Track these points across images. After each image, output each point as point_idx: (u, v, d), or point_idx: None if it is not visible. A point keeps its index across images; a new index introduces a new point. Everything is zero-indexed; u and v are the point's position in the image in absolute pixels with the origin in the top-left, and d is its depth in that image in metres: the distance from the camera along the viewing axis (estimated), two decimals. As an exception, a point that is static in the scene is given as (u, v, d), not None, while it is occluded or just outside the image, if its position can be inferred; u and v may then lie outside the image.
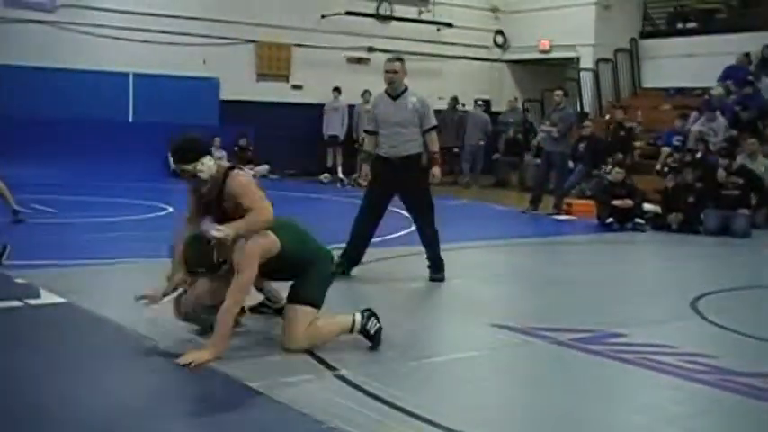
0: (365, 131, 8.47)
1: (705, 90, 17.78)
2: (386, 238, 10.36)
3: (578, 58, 20.55)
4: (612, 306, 7.65)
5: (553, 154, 13.80)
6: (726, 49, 18.29)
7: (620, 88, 21.03)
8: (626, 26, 21.01)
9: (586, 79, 20.42)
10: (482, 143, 19.21)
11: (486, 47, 22.08)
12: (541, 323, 6.55)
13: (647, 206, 13.09)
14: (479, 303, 7.60)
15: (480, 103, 20.01)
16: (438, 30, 20.87)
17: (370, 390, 4.69)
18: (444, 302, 7.72)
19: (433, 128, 8.02)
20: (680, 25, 21.02)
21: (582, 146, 16.10)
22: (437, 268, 8.03)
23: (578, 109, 19.29)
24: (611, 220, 12.66)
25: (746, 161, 13.56)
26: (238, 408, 4.51)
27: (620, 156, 14.51)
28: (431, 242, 8.02)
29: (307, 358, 5.26)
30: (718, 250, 11.55)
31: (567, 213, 13.79)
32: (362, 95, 18.20)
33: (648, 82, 20.87)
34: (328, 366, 5.10)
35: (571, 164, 15.50)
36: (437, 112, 19.35)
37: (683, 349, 5.97)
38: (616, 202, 12.67)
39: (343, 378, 4.91)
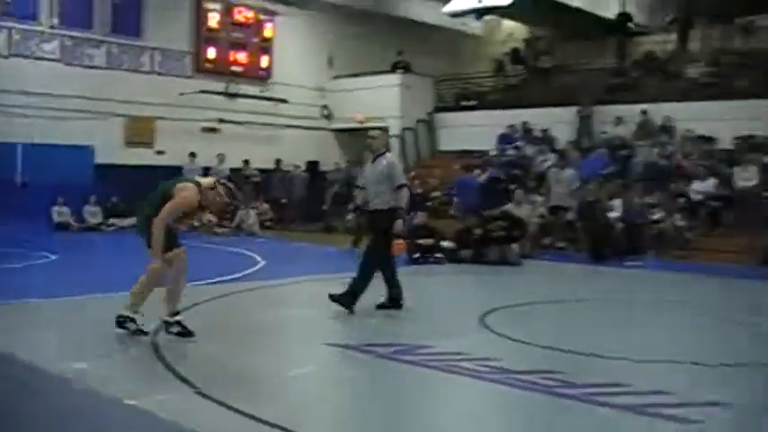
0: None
1: (484, 152, 20.53)
2: (238, 275, 11.05)
3: (388, 127, 21.28)
4: (421, 323, 8.18)
5: None
6: (498, 121, 21.37)
7: (421, 151, 23.42)
8: (424, 102, 23.58)
9: (395, 144, 21.80)
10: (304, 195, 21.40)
11: (315, 118, 23.70)
12: (366, 340, 6.92)
13: (444, 243, 14.11)
14: (315, 328, 7.99)
15: (298, 164, 21.85)
16: (276, 105, 22.41)
17: (229, 404, 4.92)
18: (287, 328, 7.93)
19: (401, 186, 8.43)
20: (463, 102, 24.04)
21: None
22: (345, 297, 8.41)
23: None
24: (417, 255, 13.51)
25: (513, 207, 15.56)
26: (118, 422, 4.79)
27: (426, 204, 16.55)
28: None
29: (170, 377, 5.60)
30: (499, 277, 12.51)
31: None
32: (218, 156, 20.23)
33: (443, 146, 23.22)
34: (190, 384, 5.37)
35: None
36: (266, 171, 21.46)
37: (476, 355, 6.39)
38: (420, 241, 13.61)
39: (203, 395, 5.14)
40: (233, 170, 20.08)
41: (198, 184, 6.80)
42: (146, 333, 6.85)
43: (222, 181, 6.99)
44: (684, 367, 6.64)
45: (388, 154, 8.78)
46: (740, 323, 9.15)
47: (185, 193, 6.65)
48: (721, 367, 6.72)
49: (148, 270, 6.83)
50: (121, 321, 6.90)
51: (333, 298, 8.41)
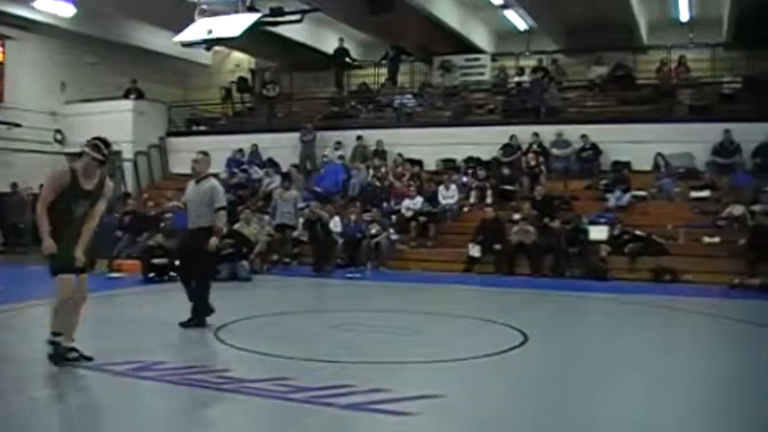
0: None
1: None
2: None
3: (121, 152, 21.51)
4: (159, 339, 7.95)
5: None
6: (227, 145, 21.22)
7: (154, 173, 22.90)
8: (156, 127, 23.04)
9: (128, 167, 22.11)
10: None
11: (49, 142, 22.17)
12: (105, 359, 6.58)
13: (177, 262, 13.35)
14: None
15: (31, 187, 19.97)
16: (9, 129, 20.94)
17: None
18: (22, 351, 7.33)
19: (221, 208, 8.49)
20: (194, 127, 23.87)
21: (127, 218, 17.18)
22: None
23: (122, 190, 20.49)
24: (152, 274, 13.45)
25: (241, 226, 15.43)
26: None
27: (160, 225, 15.63)
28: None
29: None
30: (230, 292, 11.98)
31: (119, 271, 14.64)
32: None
33: (174, 168, 22.57)
34: None
35: (120, 233, 16.58)
36: (2, 195, 20.20)
37: (211, 368, 6.46)
38: (155, 261, 13.54)
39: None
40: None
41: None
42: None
43: (88, 141, 6.50)
44: (402, 366, 6.90)
45: (211, 178, 8.72)
46: (454, 322, 9.64)
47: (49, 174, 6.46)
48: (437, 363, 7.00)
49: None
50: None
51: (184, 325, 8.42)
